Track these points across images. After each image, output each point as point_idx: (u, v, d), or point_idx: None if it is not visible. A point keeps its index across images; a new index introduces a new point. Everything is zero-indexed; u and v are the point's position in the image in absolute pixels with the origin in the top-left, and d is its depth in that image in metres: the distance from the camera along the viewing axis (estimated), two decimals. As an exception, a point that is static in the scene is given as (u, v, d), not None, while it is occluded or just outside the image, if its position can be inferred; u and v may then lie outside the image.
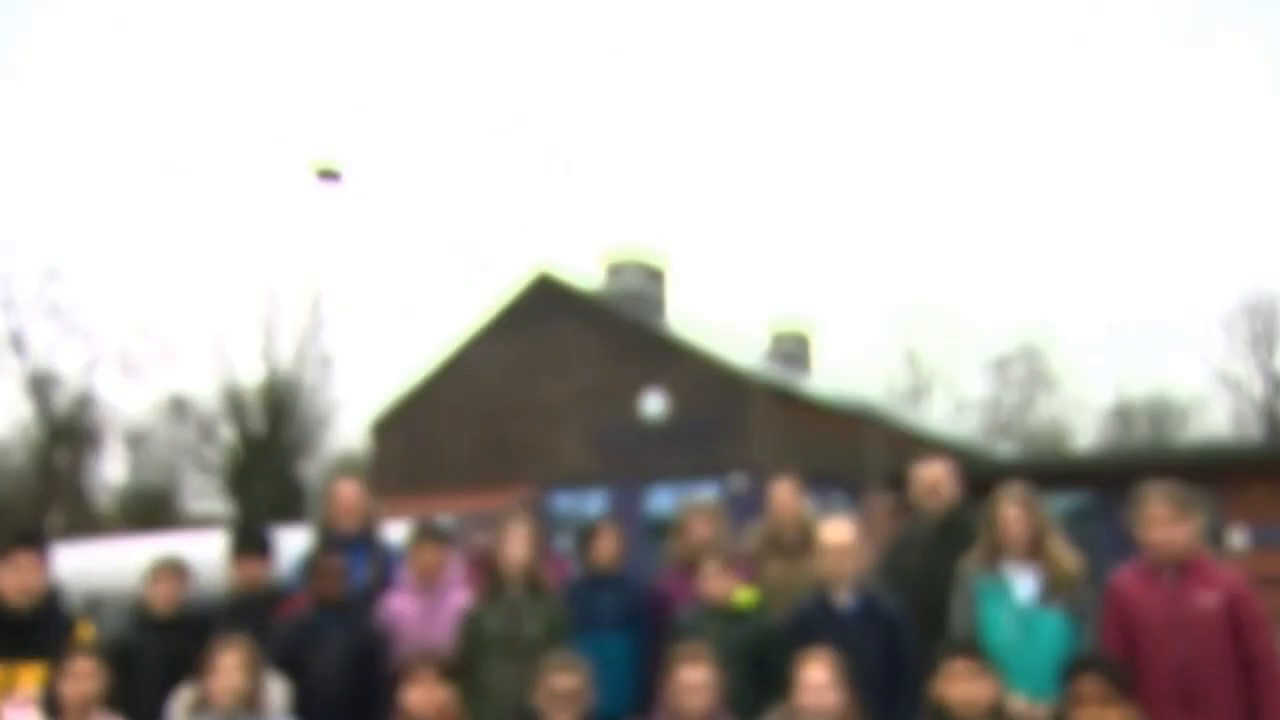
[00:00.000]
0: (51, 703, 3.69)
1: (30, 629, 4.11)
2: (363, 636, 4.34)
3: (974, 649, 3.56)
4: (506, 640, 4.23)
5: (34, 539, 4.40)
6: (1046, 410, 43.44)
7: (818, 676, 3.60)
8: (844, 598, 4.07)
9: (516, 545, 4.38)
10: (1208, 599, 3.58)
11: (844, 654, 3.70)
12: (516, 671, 4.10)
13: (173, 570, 4.54)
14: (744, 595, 4.31)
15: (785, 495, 4.84)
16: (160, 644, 4.33)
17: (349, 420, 34.69)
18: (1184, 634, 3.56)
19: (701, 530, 4.84)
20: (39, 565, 4.22)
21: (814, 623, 4.00)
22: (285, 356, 34.74)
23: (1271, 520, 17.87)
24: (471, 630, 4.32)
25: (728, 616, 4.21)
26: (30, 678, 3.95)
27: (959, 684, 3.41)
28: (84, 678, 3.71)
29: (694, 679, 3.68)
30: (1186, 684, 3.49)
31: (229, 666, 3.77)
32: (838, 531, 4.16)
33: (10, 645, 4.03)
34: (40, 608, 4.18)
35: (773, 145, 70.21)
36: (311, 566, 4.46)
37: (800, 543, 4.76)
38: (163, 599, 4.47)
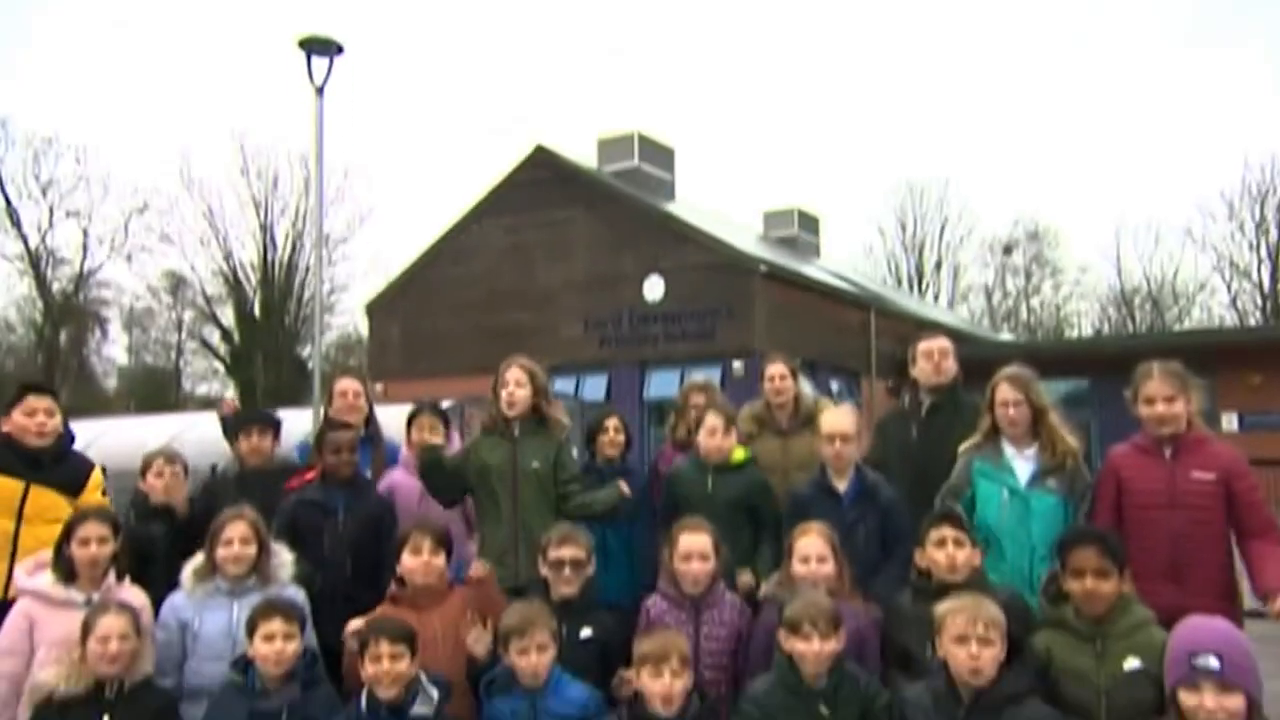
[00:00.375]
0: (65, 567, 3.78)
1: (48, 465, 4.23)
2: (370, 513, 4.39)
3: (958, 518, 3.62)
4: (506, 475, 4.28)
5: (44, 386, 4.50)
6: (1049, 298, 43.34)
7: (813, 547, 3.67)
8: (842, 484, 4.13)
9: (515, 385, 4.36)
10: (1204, 476, 3.61)
11: (841, 536, 3.77)
12: (514, 505, 4.20)
13: (166, 460, 4.59)
14: (738, 452, 4.42)
15: (777, 376, 4.86)
16: (162, 529, 4.42)
17: (352, 302, 34.67)
18: (1178, 510, 3.60)
19: (701, 407, 4.85)
20: (52, 408, 4.30)
21: (812, 505, 4.06)
22: (283, 237, 34.50)
23: (1263, 405, 18.07)
24: (471, 461, 4.37)
25: (720, 469, 4.31)
26: (47, 504, 4.11)
27: (943, 549, 3.50)
28: (97, 542, 3.77)
29: (695, 545, 3.75)
30: (1175, 558, 3.54)
31: (236, 537, 3.83)
32: (839, 420, 4.17)
33: (28, 474, 4.17)
34: (55, 448, 4.30)
35: (777, 33, 67.92)
36: (320, 441, 4.47)
37: (792, 423, 4.79)
38: (159, 490, 4.53)
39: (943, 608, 3.09)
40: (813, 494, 4.15)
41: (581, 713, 3.42)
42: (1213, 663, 2.58)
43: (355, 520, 4.30)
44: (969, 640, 2.96)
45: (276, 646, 3.46)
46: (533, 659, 3.41)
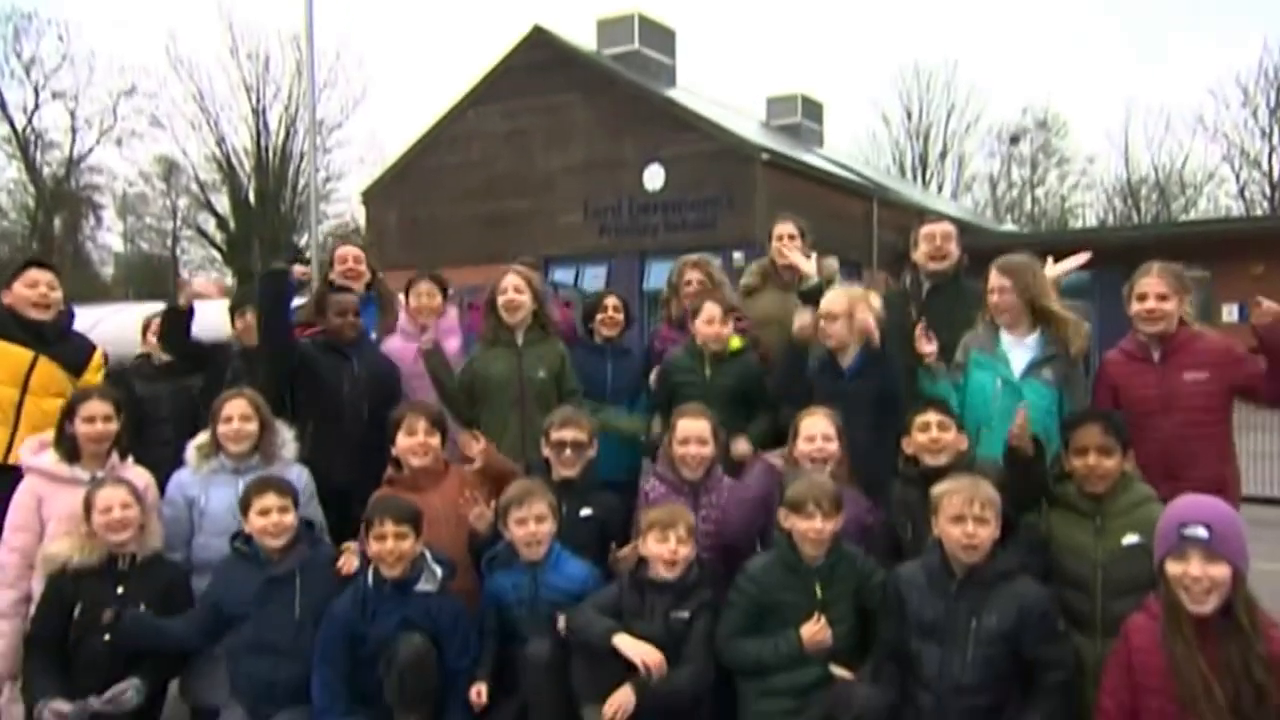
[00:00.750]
0: (68, 445, 3.82)
1: (53, 340, 4.24)
2: (380, 363, 4.46)
3: (943, 403, 3.65)
4: (511, 384, 4.28)
5: (46, 261, 4.52)
6: (1054, 188, 42.77)
7: (819, 426, 3.70)
8: (846, 360, 4.10)
9: (514, 291, 4.33)
10: (1196, 376, 3.59)
11: (844, 406, 3.82)
12: (521, 415, 4.21)
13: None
14: (734, 341, 4.40)
15: (785, 235, 4.82)
16: (168, 386, 4.49)
17: (348, 190, 34.18)
18: (1170, 413, 3.59)
19: (696, 283, 4.79)
20: (53, 282, 4.30)
21: (817, 378, 4.07)
22: (276, 122, 33.78)
23: (1264, 296, 17.99)
24: (475, 374, 4.36)
25: (718, 358, 4.31)
26: (52, 378, 4.16)
27: (927, 432, 3.54)
28: (101, 420, 3.82)
29: (693, 430, 3.78)
30: (1171, 462, 3.54)
31: (236, 414, 3.88)
32: (827, 300, 4.12)
33: (36, 345, 4.18)
34: (58, 324, 4.31)
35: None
36: (320, 304, 4.46)
37: (794, 278, 4.67)
38: (158, 347, 4.54)
39: (940, 488, 3.13)
40: (818, 367, 4.13)
41: (581, 587, 3.52)
42: (1201, 532, 2.61)
43: (368, 368, 4.38)
44: (965, 520, 3.02)
45: (273, 519, 3.54)
46: (531, 528, 3.49)
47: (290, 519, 3.59)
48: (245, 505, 3.59)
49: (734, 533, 3.72)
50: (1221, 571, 2.59)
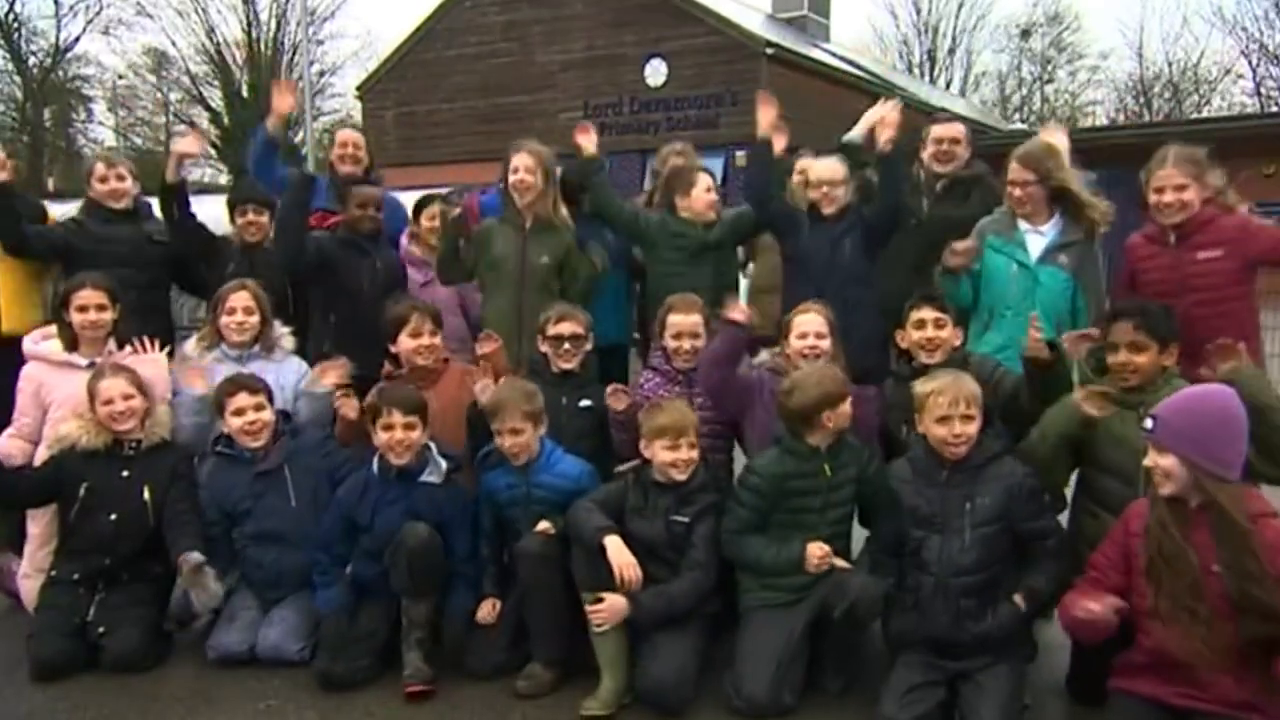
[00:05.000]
0: (68, 335, 3.88)
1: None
2: (395, 259, 4.54)
3: (938, 299, 3.62)
4: (512, 265, 4.23)
5: None
6: (1065, 86, 41.82)
7: (812, 324, 3.70)
8: (831, 209, 4.20)
9: (524, 171, 4.22)
10: (1210, 254, 3.55)
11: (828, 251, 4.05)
12: (519, 297, 4.20)
13: (107, 165, 4.48)
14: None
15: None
16: (126, 230, 4.42)
17: (344, 86, 33.47)
18: (1185, 294, 3.54)
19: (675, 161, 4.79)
20: None
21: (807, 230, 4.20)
22: (267, 12, 32.87)
23: (1275, 196, 17.80)
24: (480, 246, 4.31)
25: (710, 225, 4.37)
26: None
27: (922, 331, 3.55)
28: (95, 309, 3.86)
29: (685, 325, 3.79)
30: (1188, 338, 3.44)
31: (240, 306, 3.92)
32: (827, 168, 4.22)
33: None
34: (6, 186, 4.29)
35: None
36: (344, 196, 4.48)
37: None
38: (107, 194, 4.43)
39: (924, 388, 3.15)
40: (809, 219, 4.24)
41: (575, 485, 3.53)
42: (1147, 424, 2.69)
43: (385, 263, 4.46)
44: (951, 420, 3.06)
45: (248, 418, 3.61)
46: (507, 441, 3.48)
47: (267, 415, 3.65)
48: (219, 408, 3.65)
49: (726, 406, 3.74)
50: (1168, 462, 2.64)
